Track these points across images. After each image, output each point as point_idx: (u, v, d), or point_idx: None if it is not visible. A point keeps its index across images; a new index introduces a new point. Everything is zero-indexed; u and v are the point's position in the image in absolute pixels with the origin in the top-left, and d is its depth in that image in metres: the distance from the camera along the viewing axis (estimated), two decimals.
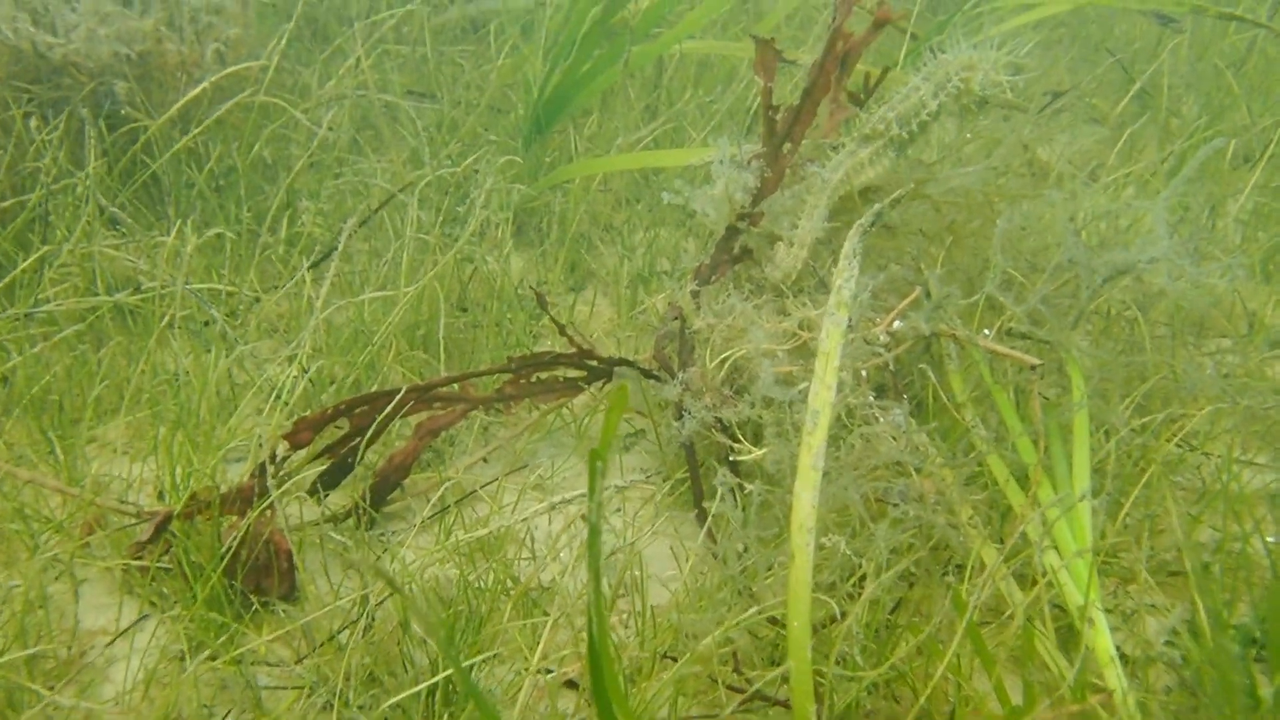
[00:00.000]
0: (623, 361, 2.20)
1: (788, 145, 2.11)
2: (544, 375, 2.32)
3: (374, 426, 1.99)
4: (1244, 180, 3.04)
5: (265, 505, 1.74)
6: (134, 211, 2.70)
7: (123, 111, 2.60)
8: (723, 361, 2.11)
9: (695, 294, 2.16)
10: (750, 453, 2.03)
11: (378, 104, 3.31)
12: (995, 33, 3.20)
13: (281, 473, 1.95)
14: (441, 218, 2.70)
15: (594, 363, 2.20)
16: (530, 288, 2.51)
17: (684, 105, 3.24)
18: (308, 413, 1.99)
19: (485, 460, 2.41)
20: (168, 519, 1.70)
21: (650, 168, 2.92)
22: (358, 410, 2.12)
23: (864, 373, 2.03)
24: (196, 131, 2.53)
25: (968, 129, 2.30)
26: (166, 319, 2.23)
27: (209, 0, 2.69)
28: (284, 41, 2.77)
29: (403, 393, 1.98)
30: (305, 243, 2.82)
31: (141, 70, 2.68)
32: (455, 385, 2.24)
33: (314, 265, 2.53)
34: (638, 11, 2.95)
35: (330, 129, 3.02)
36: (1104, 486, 1.89)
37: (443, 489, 2.08)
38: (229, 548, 1.70)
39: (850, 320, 1.98)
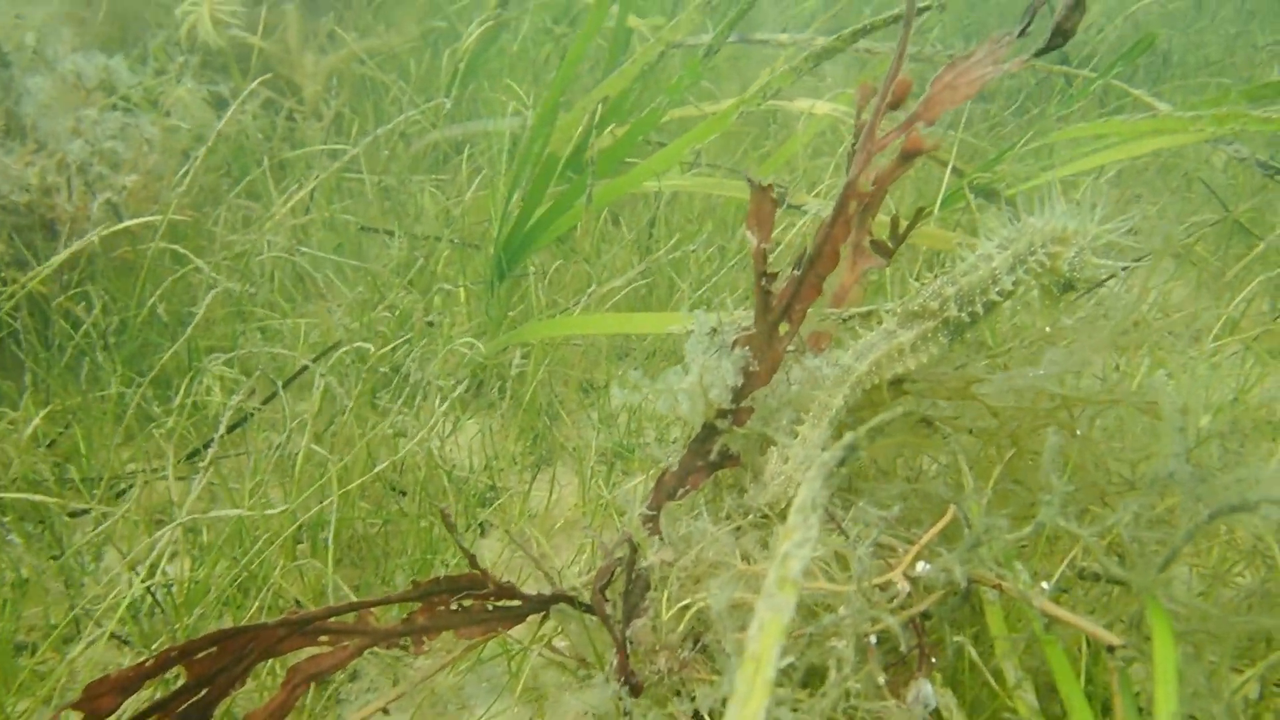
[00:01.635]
0: (557, 599, 1.77)
1: (785, 325, 1.72)
2: (468, 601, 1.91)
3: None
4: None
5: None
6: None
7: None
8: (685, 609, 1.67)
9: (652, 517, 1.74)
10: None
11: (321, 247, 3.03)
12: (1062, 174, 2.84)
13: None
14: (359, 386, 2.34)
15: (517, 602, 1.78)
16: (437, 507, 2.11)
17: (680, 251, 2.88)
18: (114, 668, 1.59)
19: (386, 712, 1.97)
20: None
21: (621, 333, 2.55)
22: (198, 656, 1.72)
23: (872, 640, 1.57)
24: (31, 278, 2.22)
25: (1045, 319, 1.87)
26: None
27: (102, 148, 2.44)
28: (187, 183, 2.49)
29: (191, 659, 1.58)
30: (206, 413, 2.47)
31: (29, 221, 2.42)
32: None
33: (191, 455, 2.17)
34: (600, 144, 2.65)
35: (242, 283, 2.72)
36: None
37: None
38: None
39: (861, 563, 1.55)
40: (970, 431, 1.88)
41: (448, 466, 2.52)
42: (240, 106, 3.41)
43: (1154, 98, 3.22)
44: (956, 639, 1.66)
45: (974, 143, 3.54)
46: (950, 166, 2.65)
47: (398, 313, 2.87)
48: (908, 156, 1.96)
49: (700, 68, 2.71)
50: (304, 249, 2.77)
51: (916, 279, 1.74)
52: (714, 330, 1.75)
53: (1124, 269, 1.75)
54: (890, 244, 1.98)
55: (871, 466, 2.04)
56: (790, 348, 1.83)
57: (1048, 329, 1.81)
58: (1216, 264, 3.01)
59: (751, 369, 1.69)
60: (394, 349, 2.77)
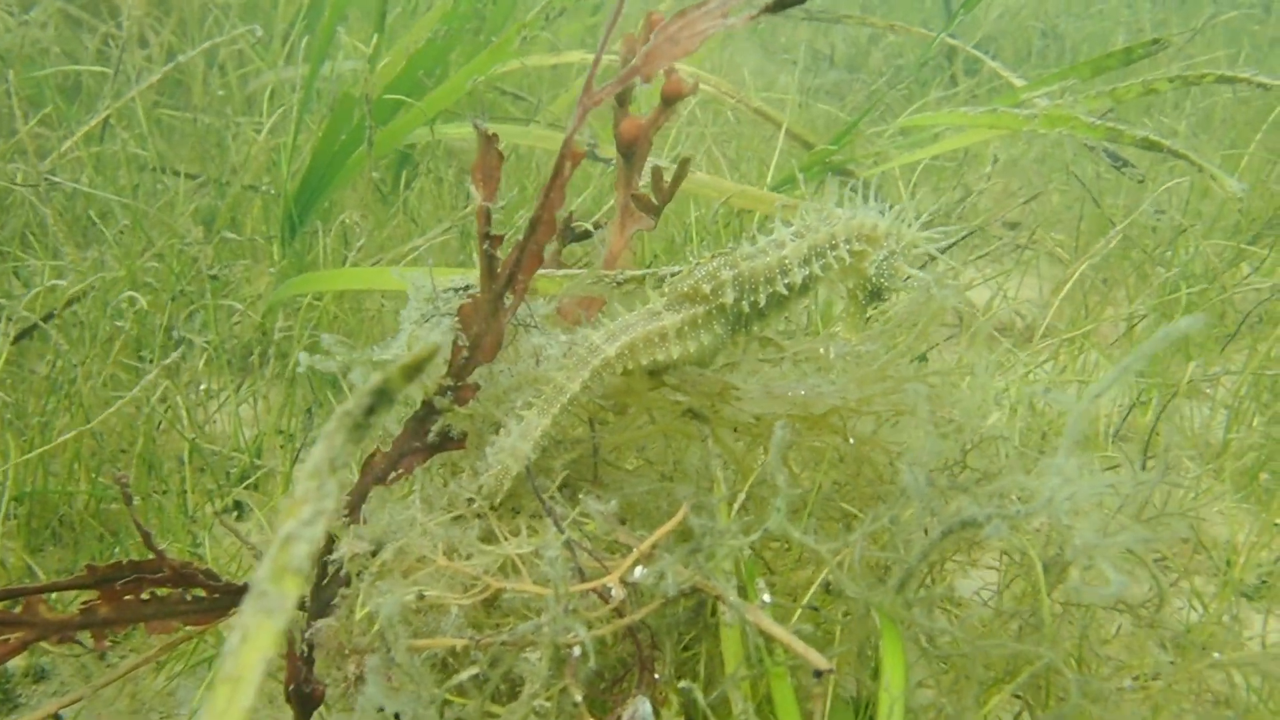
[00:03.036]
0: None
1: (510, 296, 1.58)
2: (162, 591, 1.74)
3: None
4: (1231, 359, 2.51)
5: None
6: None
7: None
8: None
9: (354, 502, 1.59)
10: None
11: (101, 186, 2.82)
12: (913, 160, 2.74)
13: None
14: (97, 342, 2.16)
15: (202, 592, 1.63)
16: (112, 474, 1.94)
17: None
18: None
19: (57, 718, 1.80)
20: None
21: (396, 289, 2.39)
22: None
23: (574, 652, 1.45)
24: None
25: (850, 329, 1.73)
26: None
27: None
28: None
29: None
30: None
31: None
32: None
33: None
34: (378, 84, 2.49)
35: None
36: None
37: None
38: None
39: (554, 564, 1.42)
40: (735, 429, 1.76)
41: (206, 439, 2.35)
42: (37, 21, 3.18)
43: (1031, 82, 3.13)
44: (689, 658, 1.55)
45: (844, 118, 3.44)
46: (783, 130, 2.54)
47: (180, 264, 2.68)
48: (669, 102, 1.86)
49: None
50: (55, 179, 2.56)
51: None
52: (432, 295, 1.61)
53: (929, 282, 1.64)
54: (656, 200, 1.87)
55: (638, 458, 1.92)
56: (533, 324, 1.70)
57: (821, 351, 1.69)
58: (1084, 263, 2.95)
59: (459, 340, 1.55)
60: (171, 301, 2.59)
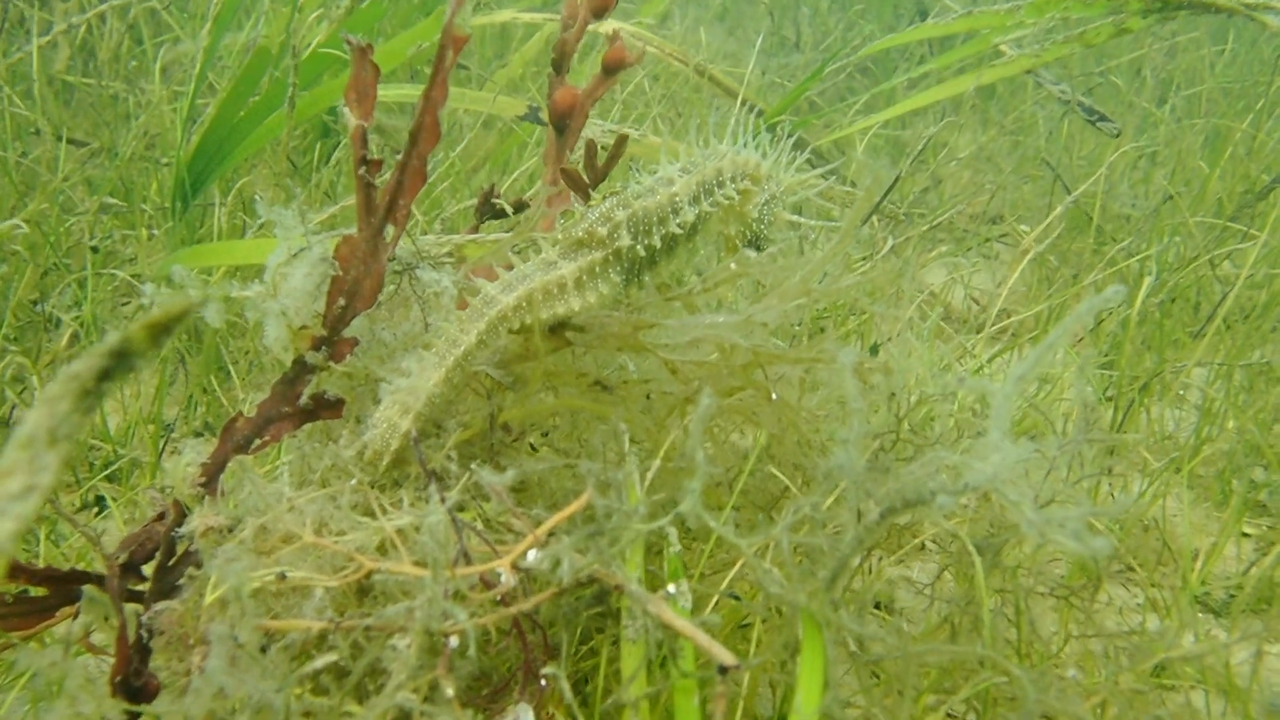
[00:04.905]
0: (78, 578, 1.51)
1: (391, 228, 1.49)
2: None
3: None
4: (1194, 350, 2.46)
5: None
6: None
7: None
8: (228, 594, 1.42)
9: (211, 472, 1.49)
10: None
11: None
12: (868, 125, 2.68)
13: None
14: None
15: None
16: None
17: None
18: None
19: None
20: None
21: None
22: None
23: (450, 641, 1.35)
24: None
25: (731, 260, 1.72)
26: None
27: None
28: None
29: None
30: None
31: None
32: None
33: None
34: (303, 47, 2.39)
35: None
36: None
37: None
38: None
39: (433, 534, 1.32)
40: (648, 396, 1.68)
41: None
42: None
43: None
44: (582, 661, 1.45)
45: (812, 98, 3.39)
46: (739, 101, 2.47)
47: (59, 234, 2.56)
48: (610, 71, 1.81)
49: None
50: None
51: None
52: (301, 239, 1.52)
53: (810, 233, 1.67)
54: (588, 178, 1.80)
55: (543, 442, 1.83)
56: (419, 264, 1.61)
57: (733, 265, 1.64)
58: (1030, 239, 2.91)
59: (336, 273, 1.46)
60: (44, 276, 2.48)
